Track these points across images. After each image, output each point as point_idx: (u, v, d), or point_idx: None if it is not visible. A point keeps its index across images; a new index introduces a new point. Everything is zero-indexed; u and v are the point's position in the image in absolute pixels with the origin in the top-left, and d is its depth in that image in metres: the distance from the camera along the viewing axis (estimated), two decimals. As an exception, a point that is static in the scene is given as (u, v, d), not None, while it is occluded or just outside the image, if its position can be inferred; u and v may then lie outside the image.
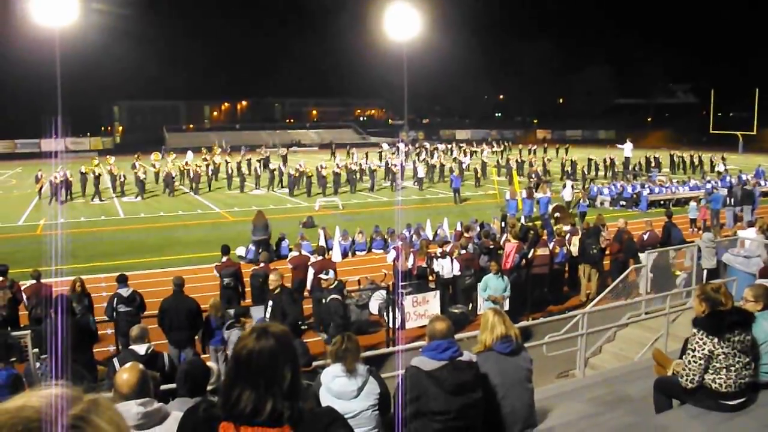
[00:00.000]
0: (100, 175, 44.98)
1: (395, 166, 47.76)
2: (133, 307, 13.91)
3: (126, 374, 4.68)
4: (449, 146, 74.38)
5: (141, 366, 4.93)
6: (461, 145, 76.32)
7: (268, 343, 2.72)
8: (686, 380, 6.25)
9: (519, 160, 52.89)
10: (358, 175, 46.10)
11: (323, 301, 14.24)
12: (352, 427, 5.34)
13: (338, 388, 5.64)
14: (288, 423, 2.65)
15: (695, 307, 6.53)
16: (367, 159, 52.21)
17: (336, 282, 14.83)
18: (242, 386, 2.67)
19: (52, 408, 1.31)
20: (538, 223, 27.64)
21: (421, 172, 46.64)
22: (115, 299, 13.89)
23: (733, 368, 6.12)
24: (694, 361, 6.17)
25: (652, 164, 53.69)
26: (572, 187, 35.06)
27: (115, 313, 13.74)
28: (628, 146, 56.33)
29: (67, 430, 1.30)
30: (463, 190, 41.77)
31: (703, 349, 6.11)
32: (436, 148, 69.06)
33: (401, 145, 69.84)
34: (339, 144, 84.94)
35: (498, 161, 54.54)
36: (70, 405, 1.34)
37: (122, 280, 14.33)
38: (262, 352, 2.70)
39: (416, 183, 46.33)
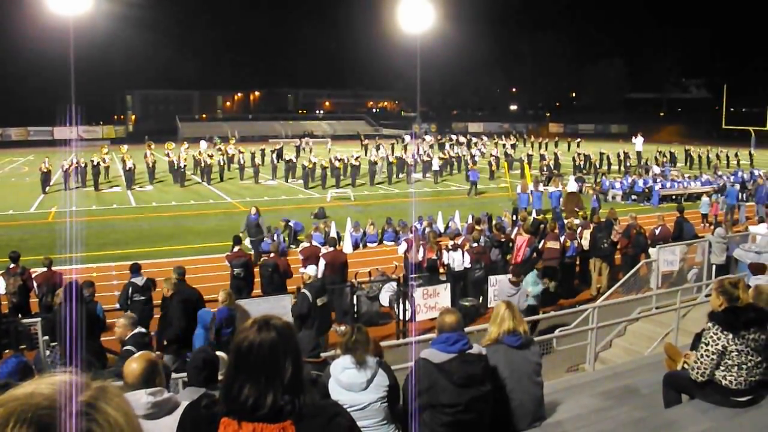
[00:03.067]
0: (108, 165, 45.23)
1: (410, 158, 47.68)
2: (148, 296, 13.88)
3: (134, 364, 4.68)
4: (469, 139, 74.06)
5: (152, 355, 4.95)
6: (483, 137, 76.17)
7: (269, 336, 2.71)
8: (696, 373, 6.22)
9: (530, 154, 52.86)
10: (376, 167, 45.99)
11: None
12: (361, 419, 5.39)
13: (347, 379, 5.62)
14: (289, 417, 2.64)
15: (712, 300, 6.48)
16: (378, 150, 52.21)
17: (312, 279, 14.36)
18: (243, 379, 2.66)
19: (62, 395, 1.32)
20: (549, 216, 27.61)
21: (436, 164, 46.56)
22: (130, 288, 13.81)
23: (744, 366, 6.06)
24: (706, 355, 6.12)
25: (666, 159, 53.39)
26: (576, 180, 34.99)
27: (129, 302, 13.68)
28: (639, 140, 56.12)
29: (76, 416, 1.30)
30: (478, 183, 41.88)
31: (717, 344, 6.06)
32: (469, 141, 68.70)
33: (428, 137, 69.62)
34: (354, 136, 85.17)
35: (507, 153, 54.40)
36: (79, 392, 1.35)
37: (136, 269, 14.32)
38: (262, 344, 2.69)
39: (432, 175, 46.32)
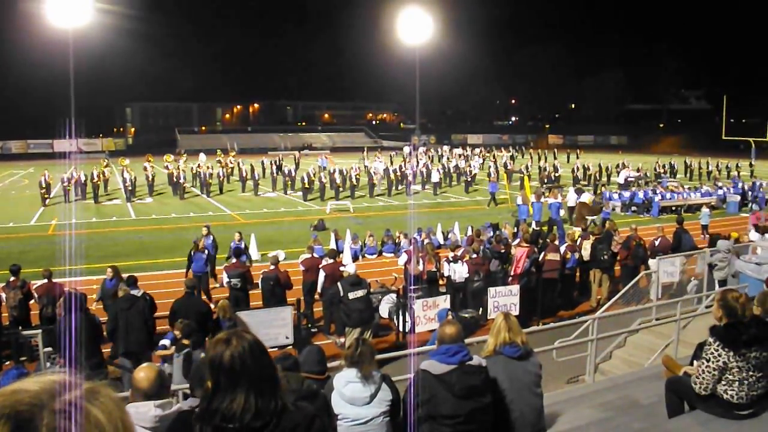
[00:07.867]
0: (108, 178, 45.26)
1: (409, 169, 47.72)
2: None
3: (143, 372, 4.74)
4: (473, 151, 74.15)
5: (157, 366, 5.01)
6: (480, 149, 76.26)
7: (238, 347, 2.80)
8: (699, 387, 6.20)
9: (530, 165, 52.90)
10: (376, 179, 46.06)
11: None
12: None
13: (351, 393, 5.60)
14: (269, 424, 2.72)
15: (713, 311, 6.44)
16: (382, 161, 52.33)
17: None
18: (222, 392, 2.75)
19: (47, 392, 1.33)
20: (545, 228, 27.64)
21: (436, 176, 46.57)
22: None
23: (745, 381, 6.02)
24: (708, 371, 6.08)
25: (666, 171, 53.30)
26: (576, 192, 34.98)
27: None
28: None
29: (56, 414, 1.31)
30: (476, 194, 41.90)
31: (718, 361, 6.01)
32: (467, 156, 68.76)
33: (422, 149, 69.58)
34: (352, 147, 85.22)
35: (507, 165, 54.47)
36: (65, 391, 1.35)
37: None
38: (233, 356, 2.78)
39: (431, 187, 46.35)
